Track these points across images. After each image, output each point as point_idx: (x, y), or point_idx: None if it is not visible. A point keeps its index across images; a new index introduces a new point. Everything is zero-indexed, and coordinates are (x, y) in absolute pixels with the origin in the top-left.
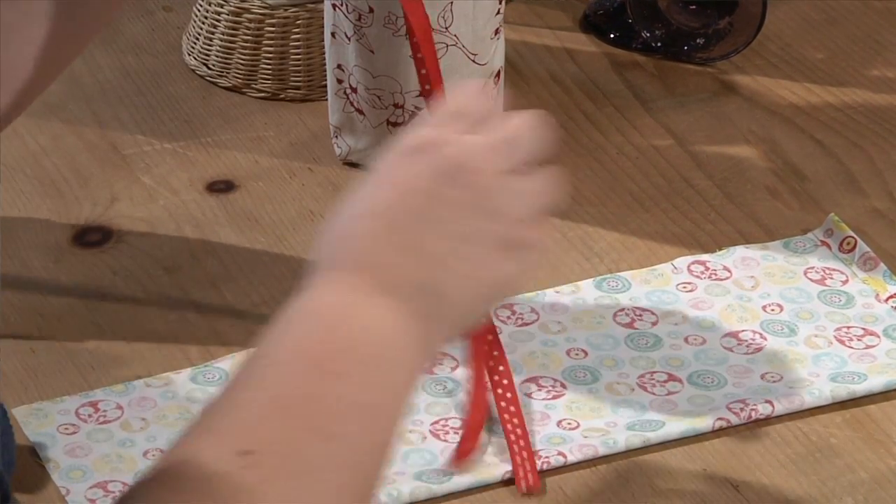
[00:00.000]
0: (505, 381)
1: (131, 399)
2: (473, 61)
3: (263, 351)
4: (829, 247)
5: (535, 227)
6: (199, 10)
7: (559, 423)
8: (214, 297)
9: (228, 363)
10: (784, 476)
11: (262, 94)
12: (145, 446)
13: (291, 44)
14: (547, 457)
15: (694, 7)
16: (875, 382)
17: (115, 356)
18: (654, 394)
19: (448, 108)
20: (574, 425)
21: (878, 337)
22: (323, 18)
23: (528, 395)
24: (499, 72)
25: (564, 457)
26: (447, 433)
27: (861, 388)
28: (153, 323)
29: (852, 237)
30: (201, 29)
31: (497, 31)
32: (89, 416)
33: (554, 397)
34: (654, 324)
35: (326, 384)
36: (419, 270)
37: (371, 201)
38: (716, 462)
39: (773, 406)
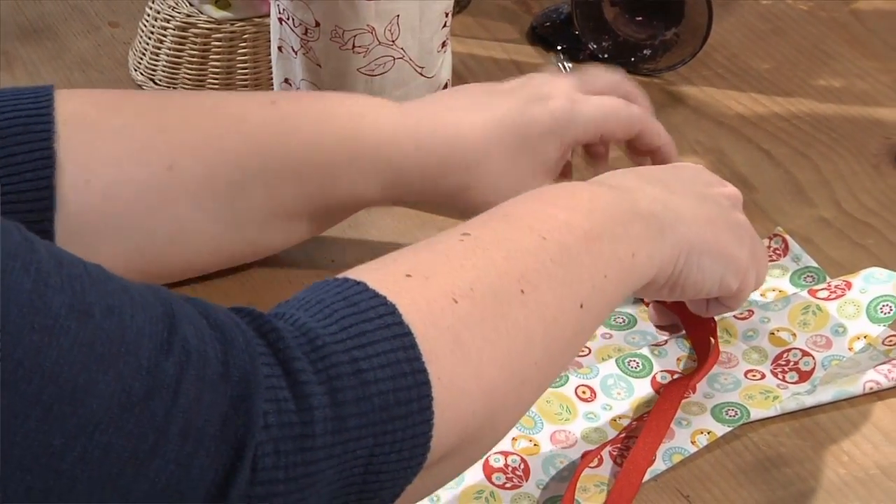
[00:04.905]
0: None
1: None
2: (421, 74)
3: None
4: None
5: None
6: (145, 26)
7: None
8: None
9: None
10: (734, 486)
11: None
12: None
13: (238, 58)
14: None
15: (640, 19)
16: (824, 394)
17: None
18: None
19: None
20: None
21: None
22: (269, 32)
23: None
24: (446, 84)
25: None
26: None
27: (810, 399)
28: None
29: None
30: (147, 44)
31: (444, 44)
32: None
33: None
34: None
35: (556, 212)
36: (663, 194)
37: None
38: (666, 473)
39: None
